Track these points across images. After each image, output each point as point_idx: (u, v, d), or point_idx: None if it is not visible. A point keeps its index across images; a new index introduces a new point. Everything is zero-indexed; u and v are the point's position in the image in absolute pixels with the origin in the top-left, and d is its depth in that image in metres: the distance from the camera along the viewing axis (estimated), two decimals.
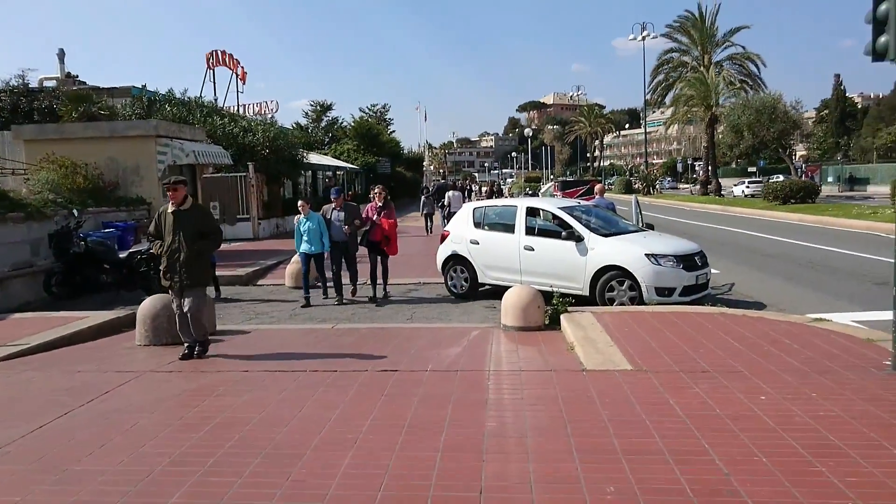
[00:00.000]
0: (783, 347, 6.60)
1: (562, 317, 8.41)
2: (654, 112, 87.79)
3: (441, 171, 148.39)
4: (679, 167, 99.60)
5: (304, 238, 11.19)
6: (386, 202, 11.27)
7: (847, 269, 12.75)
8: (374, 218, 11.09)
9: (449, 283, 11.58)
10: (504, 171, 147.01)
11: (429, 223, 24.76)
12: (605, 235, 10.01)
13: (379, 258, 11.33)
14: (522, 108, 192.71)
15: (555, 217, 10.75)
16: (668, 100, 52.04)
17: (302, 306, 10.93)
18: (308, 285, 11.31)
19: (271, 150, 24.60)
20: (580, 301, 9.80)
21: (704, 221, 26.99)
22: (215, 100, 32.05)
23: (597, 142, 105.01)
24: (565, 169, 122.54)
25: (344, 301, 11.24)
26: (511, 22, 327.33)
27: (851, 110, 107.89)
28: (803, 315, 8.94)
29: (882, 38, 5.72)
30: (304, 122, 52.43)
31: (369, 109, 65.69)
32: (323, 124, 54.42)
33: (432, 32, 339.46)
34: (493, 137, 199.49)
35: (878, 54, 5.79)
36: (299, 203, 11.39)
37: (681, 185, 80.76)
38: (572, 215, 10.39)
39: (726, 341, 6.91)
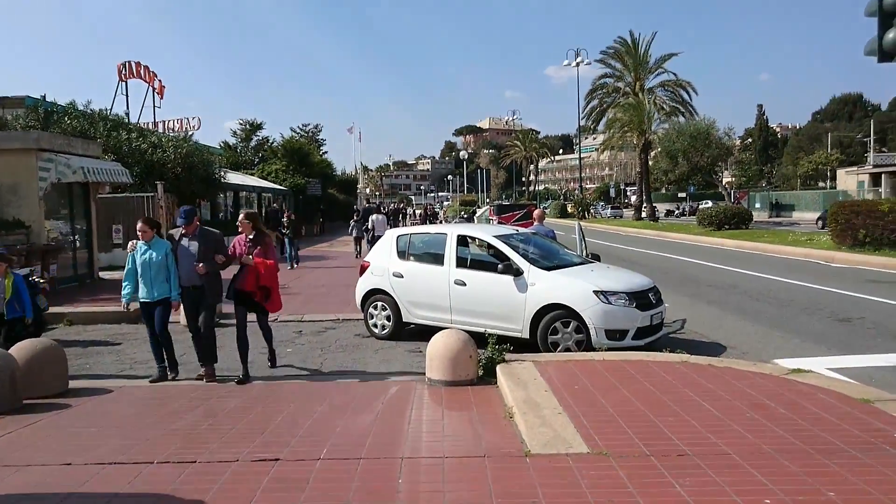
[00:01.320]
0: (768, 413, 5.35)
1: (498, 368, 7.01)
2: (586, 138, 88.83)
3: (377, 193, 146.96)
4: (612, 192, 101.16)
5: (141, 277, 7.31)
6: (258, 235, 7.71)
7: (801, 303, 11.86)
8: (244, 258, 7.57)
9: (369, 321, 10.03)
10: (440, 194, 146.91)
11: (358, 247, 24.18)
12: (548, 268, 8.69)
13: (257, 318, 7.89)
14: (459, 133, 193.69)
15: (490, 247, 9.42)
16: (601, 125, 52.20)
17: (152, 380, 7.39)
18: (159, 348, 7.55)
19: (184, 169, 22.55)
20: (519, 345, 8.43)
21: (643, 247, 26.31)
22: (126, 114, 29.67)
23: (532, 166, 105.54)
24: (501, 193, 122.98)
25: (176, 377, 7.55)
26: (446, 49, 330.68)
27: (773, 139, 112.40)
28: (771, 361, 7.83)
29: (891, 34, 4.59)
30: (233, 141, 50.03)
31: (301, 129, 63.79)
32: (252, 144, 52.29)
33: (369, 57, 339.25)
34: (429, 161, 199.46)
35: (884, 53, 4.65)
36: (138, 224, 7.39)
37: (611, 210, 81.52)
38: (509, 245, 9.06)
39: (698, 404, 5.62)
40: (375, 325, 9.93)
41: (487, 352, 7.34)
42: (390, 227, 35.09)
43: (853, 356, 7.97)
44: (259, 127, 54.10)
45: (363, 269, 10.27)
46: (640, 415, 5.39)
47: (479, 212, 34.11)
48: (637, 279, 8.79)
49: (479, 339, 7.92)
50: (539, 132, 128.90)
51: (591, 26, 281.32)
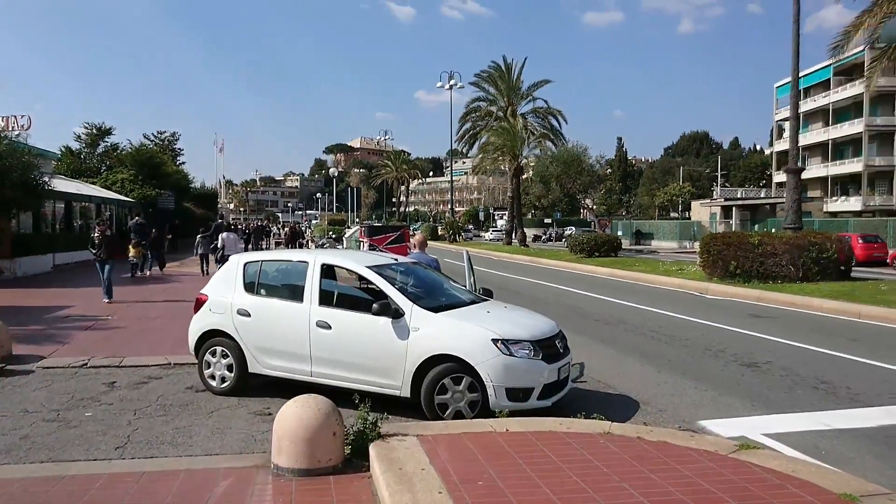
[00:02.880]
0: None
1: (372, 449, 5.20)
2: (456, 162, 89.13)
3: (241, 209, 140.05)
4: (481, 216, 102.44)
5: None
6: None
7: (698, 342, 10.97)
8: None
9: (205, 371, 7.84)
10: (309, 211, 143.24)
11: (204, 265, 22.39)
12: (434, 309, 6.97)
13: None
14: (329, 150, 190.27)
15: (361, 279, 7.61)
16: (475, 148, 52.01)
17: None
18: None
19: None
20: (398, 404, 6.70)
21: (517, 274, 25.45)
22: None
23: (403, 187, 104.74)
24: (371, 213, 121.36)
25: None
26: (316, 66, 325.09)
27: (630, 171, 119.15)
28: (696, 423, 6.59)
29: None
30: (76, 146, 44.67)
31: (155, 137, 58.73)
32: (100, 150, 47.27)
33: (235, 69, 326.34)
34: (298, 178, 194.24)
35: None
36: None
37: (481, 234, 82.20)
38: (386, 277, 7.28)
39: None
40: (213, 377, 7.76)
41: (357, 421, 5.51)
42: (252, 249, 32.37)
43: (783, 416, 6.88)
44: (108, 132, 49.15)
45: (199, 304, 8.07)
46: None
47: (348, 232, 32.03)
48: (541, 322, 7.27)
49: (348, 397, 6.12)
50: (410, 153, 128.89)
51: (460, 55, 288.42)
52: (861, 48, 16.39)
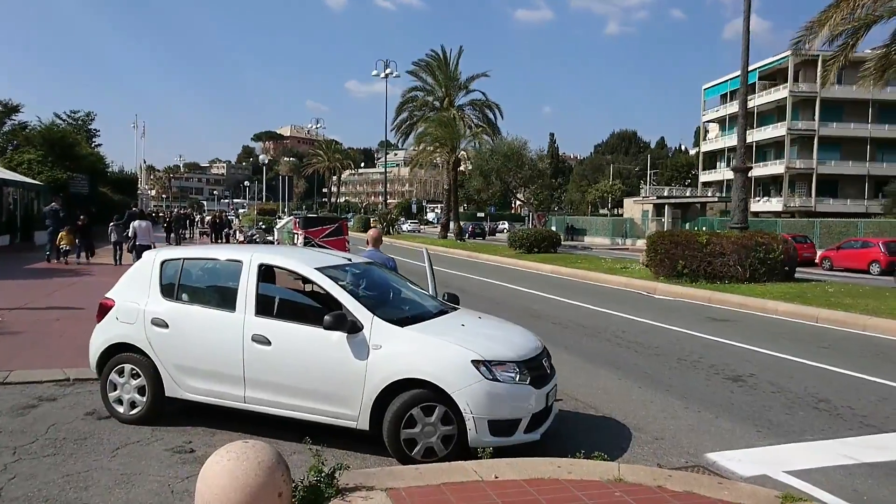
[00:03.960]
0: None
1: None
2: (390, 153, 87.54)
3: (164, 196, 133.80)
4: (413, 208, 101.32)
5: None
6: None
7: (671, 351, 10.17)
8: None
9: (110, 394, 6.36)
10: (236, 200, 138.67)
11: (117, 253, 21.34)
12: (399, 322, 5.74)
13: None
14: (258, 138, 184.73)
15: (307, 282, 6.34)
16: (412, 138, 50.69)
17: None
18: None
19: None
20: (353, 437, 5.49)
21: (458, 270, 24.42)
22: None
23: (334, 177, 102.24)
24: (301, 203, 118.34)
25: None
26: (243, 50, 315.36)
27: (561, 167, 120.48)
28: (704, 456, 5.65)
29: None
30: None
31: (68, 116, 54.78)
32: (6, 128, 43.65)
33: (157, 49, 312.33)
34: (225, 165, 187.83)
35: None
36: None
37: (421, 227, 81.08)
38: (339, 281, 6.03)
39: None
40: (120, 402, 6.30)
41: (309, 473, 4.28)
42: (175, 238, 30.09)
43: (798, 445, 6.02)
44: (15, 109, 45.53)
45: (103, 311, 6.56)
46: None
47: (280, 223, 30.20)
48: (522, 337, 6.18)
49: (293, 427, 4.87)
50: (342, 143, 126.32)
51: (392, 46, 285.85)
52: (824, 42, 16.11)
